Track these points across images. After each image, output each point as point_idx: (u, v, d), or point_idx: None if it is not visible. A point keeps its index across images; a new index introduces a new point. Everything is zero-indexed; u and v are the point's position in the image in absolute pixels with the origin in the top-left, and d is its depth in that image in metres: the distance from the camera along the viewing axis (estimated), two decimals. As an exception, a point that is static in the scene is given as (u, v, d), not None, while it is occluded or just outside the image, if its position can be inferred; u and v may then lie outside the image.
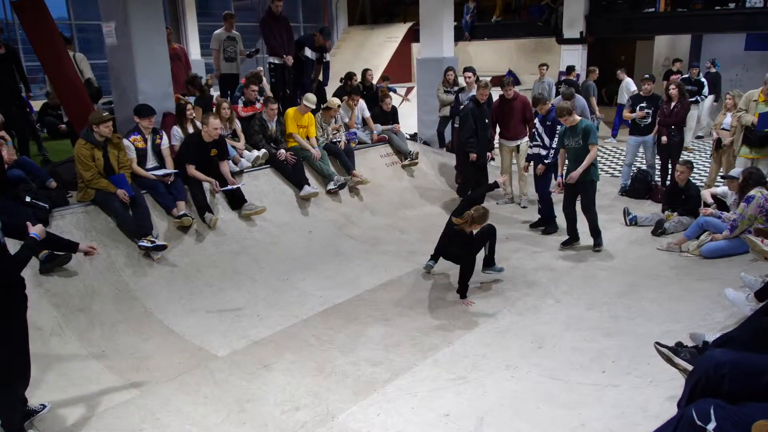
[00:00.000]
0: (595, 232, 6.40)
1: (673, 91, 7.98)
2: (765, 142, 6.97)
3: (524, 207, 8.09)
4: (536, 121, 7.32)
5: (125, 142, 6.02)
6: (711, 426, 2.40)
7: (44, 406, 3.70)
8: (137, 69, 6.56)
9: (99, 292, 5.14)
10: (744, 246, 5.77)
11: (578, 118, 6.33)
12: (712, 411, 2.42)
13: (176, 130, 6.73)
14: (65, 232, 5.41)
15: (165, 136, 6.42)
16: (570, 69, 12.57)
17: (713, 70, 12.85)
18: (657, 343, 3.49)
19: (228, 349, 4.55)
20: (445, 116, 9.66)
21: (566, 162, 6.54)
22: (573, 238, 6.56)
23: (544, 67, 12.10)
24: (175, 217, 6.03)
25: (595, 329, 4.66)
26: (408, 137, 9.71)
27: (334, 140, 8.02)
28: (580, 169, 6.18)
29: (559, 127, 6.80)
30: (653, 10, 14.76)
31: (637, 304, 5.07)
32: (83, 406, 3.82)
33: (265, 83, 9.25)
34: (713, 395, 2.63)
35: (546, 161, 7.12)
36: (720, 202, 6.68)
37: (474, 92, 8.30)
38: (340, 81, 9.84)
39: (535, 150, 7.25)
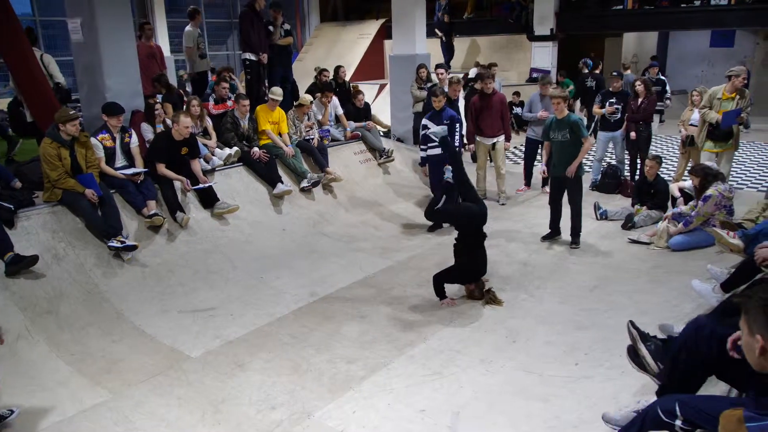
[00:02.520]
0: (576, 229, 6.45)
1: (640, 87, 8.12)
2: (728, 136, 7.16)
3: (503, 204, 8.14)
4: (426, 120, 7.00)
5: (93, 140, 5.89)
6: (678, 422, 2.45)
7: (12, 411, 3.61)
8: (104, 66, 6.45)
9: (68, 294, 5.04)
10: (710, 239, 5.91)
11: (566, 110, 6.24)
12: (677, 407, 2.46)
13: (146, 126, 6.63)
14: (31, 233, 5.30)
15: (134, 135, 6.30)
16: (596, 63, 12.67)
17: (584, 70, 12.37)
18: (631, 321, 3.55)
19: (201, 350, 4.50)
20: (419, 112, 9.67)
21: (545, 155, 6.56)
22: (555, 232, 6.61)
23: (494, 67, 11.97)
24: (145, 217, 5.94)
25: (567, 322, 4.72)
26: (381, 134, 9.71)
27: (307, 137, 7.97)
28: (575, 163, 6.11)
29: (458, 125, 6.81)
30: (621, 7, 15.04)
31: (608, 297, 5.16)
32: (53, 411, 3.74)
33: (238, 79, 9.17)
34: (695, 356, 2.78)
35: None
36: (688, 196, 6.82)
37: (445, 88, 8.34)
38: (315, 69, 9.82)
39: (433, 151, 6.97)
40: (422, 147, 7.17)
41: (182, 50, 9.53)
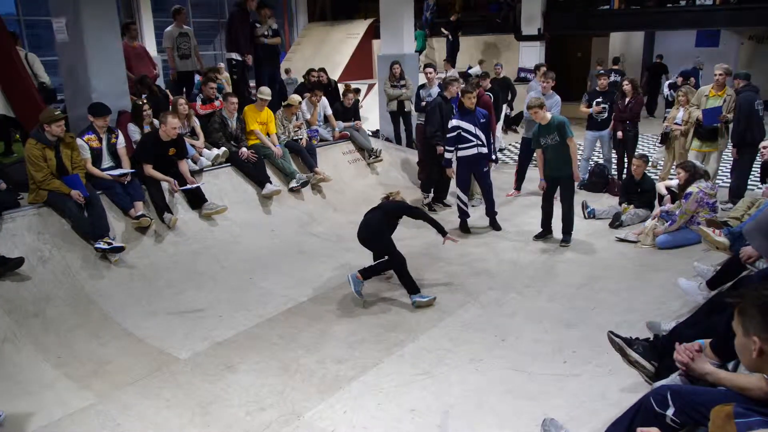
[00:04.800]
0: (568, 228, 6.48)
1: (627, 86, 8.16)
2: (714, 135, 7.24)
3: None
4: (458, 120, 6.83)
5: (79, 141, 5.83)
6: (670, 411, 2.45)
7: (-2, 416, 3.58)
8: (90, 66, 6.38)
9: (54, 297, 4.98)
10: (697, 237, 5.97)
11: (549, 115, 6.27)
12: (669, 397, 2.47)
13: (133, 127, 6.58)
14: (17, 235, 5.24)
15: (121, 135, 6.25)
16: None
17: (476, 71, 12.23)
18: (610, 332, 3.56)
19: (190, 351, 4.47)
20: (394, 111, 9.62)
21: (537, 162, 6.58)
22: (546, 231, 6.63)
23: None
24: (132, 218, 5.89)
25: (556, 321, 4.75)
26: (370, 134, 9.70)
27: (296, 138, 7.95)
28: (575, 167, 6.24)
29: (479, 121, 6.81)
30: (608, 7, 15.15)
31: (596, 295, 5.19)
32: (40, 414, 3.70)
33: (226, 77, 9.13)
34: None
35: (494, 157, 7.05)
36: (675, 195, 6.88)
37: (435, 88, 8.34)
38: (303, 77, 9.78)
39: (472, 150, 6.84)
40: (448, 148, 6.99)
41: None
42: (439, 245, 5.87)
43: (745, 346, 2.22)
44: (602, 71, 8.90)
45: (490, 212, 7.13)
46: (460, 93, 7.10)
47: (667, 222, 6.29)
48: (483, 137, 6.84)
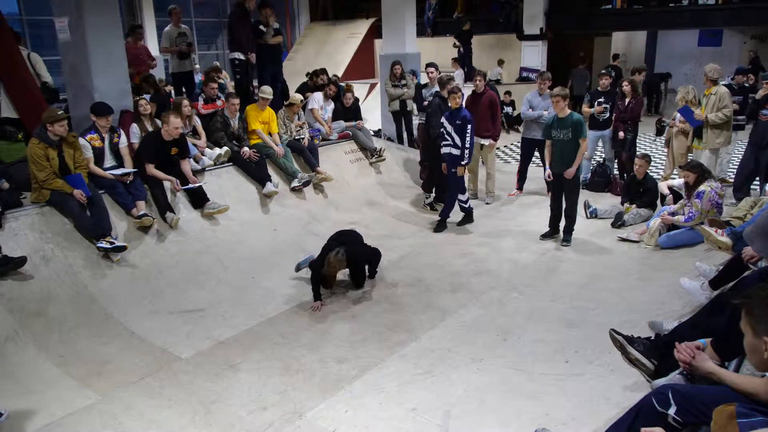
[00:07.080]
0: (570, 227, 6.47)
1: (627, 87, 8.13)
2: (699, 133, 7.34)
3: (488, 203, 8.13)
4: (443, 118, 7.02)
5: (81, 140, 5.84)
6: (672, 410, 2.44)
7: (1, 414, 3.58)
8: (92, 66, 6.40)
9: (56, 296, 4.99)
10: (699, 236, 5.96)
11: (568, 109, 6.24)
12: (670, 395, 2.47)
13: (135, 128, 6.58)
14: (19, 234, 5.25)
15: (123, 135, 6.26)
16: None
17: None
18: (612, 329, 3.56)
19: (192, 351, 4.48)
20: (396, 111, 9.62)
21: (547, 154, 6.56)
22: (554, 230, 6.61)
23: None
24: (135, 218, 5.90)
25: (557, 320, 4.75)
26: (372, 133, 9.70)
27: (298, 137, 7.95)
28: (575, 166, 6.20)
29: (469, 127, 6.75)
30: (610, 7, 15.15)
31: (598, 295, 5.19)
32: (42, 413, 3.71)
33: (226, 75, 9.13)
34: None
35: (463, 162, 6.91)
36: (677, 194, 6.87)
37: (437, 88, 8.33)
38: (306, 75, 9.78)
39: (446, 150, 7.00)
40: (439, 144, 7.11)
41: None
42: (440, 245, 5.87)
43: (755, 347, 2.22)
44: (603, 71, 8.87)
45: (444, 213, 7.18)
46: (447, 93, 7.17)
47: (677, 215, 6.24)
48: (457, 139, 6.86)
